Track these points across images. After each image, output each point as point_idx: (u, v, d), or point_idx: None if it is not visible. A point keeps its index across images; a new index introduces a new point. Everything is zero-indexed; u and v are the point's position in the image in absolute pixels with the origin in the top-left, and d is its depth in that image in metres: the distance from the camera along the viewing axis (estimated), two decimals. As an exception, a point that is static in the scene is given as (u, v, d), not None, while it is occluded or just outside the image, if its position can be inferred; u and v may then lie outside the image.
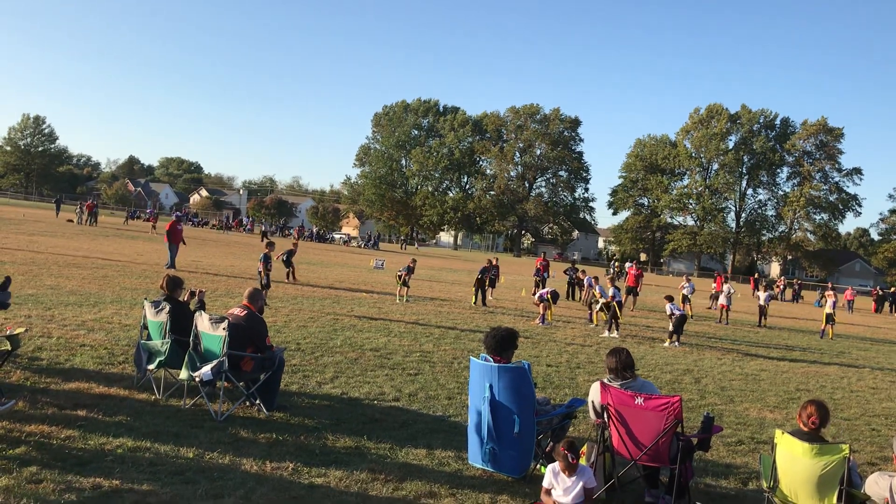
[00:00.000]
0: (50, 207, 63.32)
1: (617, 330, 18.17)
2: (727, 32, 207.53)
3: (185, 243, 25.80)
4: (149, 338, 8.26)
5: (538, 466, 6.44)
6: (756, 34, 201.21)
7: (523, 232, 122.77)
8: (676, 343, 17.24)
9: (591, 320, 20.45)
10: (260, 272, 18.09)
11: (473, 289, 22.86)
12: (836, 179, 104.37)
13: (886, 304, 51.54)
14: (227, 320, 7.43)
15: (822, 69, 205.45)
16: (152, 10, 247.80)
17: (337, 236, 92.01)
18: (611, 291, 18.47)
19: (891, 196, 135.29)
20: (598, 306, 19.64)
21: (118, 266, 22.47)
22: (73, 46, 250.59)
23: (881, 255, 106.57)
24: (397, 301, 20.77)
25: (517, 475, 6.35)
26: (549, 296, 19.20)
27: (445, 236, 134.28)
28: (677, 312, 17.48)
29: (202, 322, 7.61)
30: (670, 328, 17.55)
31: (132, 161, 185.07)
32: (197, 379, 7.28)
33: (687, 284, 27.33)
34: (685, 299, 26.51)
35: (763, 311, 25.61)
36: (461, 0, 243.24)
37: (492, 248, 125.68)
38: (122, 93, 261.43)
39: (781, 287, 52.64)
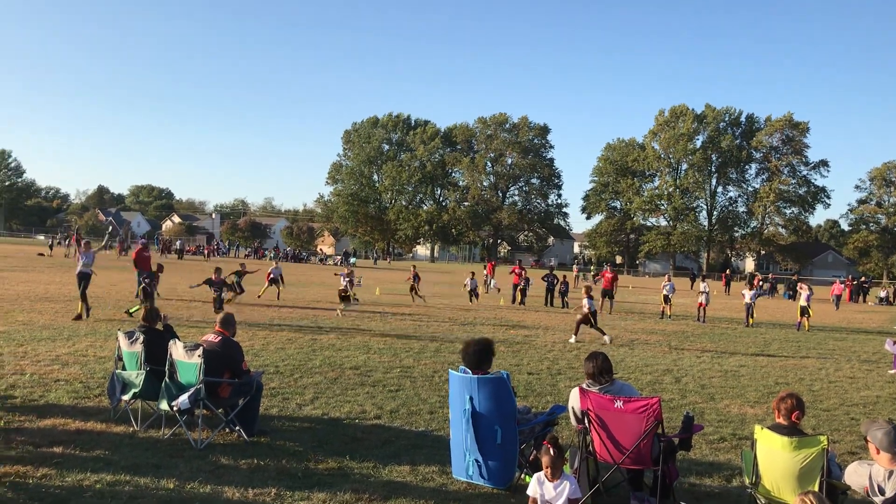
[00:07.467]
0: (21, 242, 62.40)
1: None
2: (688, 30, 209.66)
3: (163, 270, 25.21)
4: (124, 368, 8.15)
5: (523, 476, 6.42)
6: (716, 31, 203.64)
7: (499, 241, 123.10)
8: (573, 338, 17.75)
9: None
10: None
11: (409, 290, 28.49)
12: (804, 173, 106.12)
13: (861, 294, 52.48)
14: (201, 347, 7.36)
15: (784, 63, 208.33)
16: (117, 37, 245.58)
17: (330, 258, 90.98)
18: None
19: (857, 187, 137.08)
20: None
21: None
22: (37, 77, 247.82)
23: (851, 245, 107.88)
24: (337, 313, 21.12)
25: (502, 486, 6.32)
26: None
27: (422, 249, 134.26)
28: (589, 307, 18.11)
29: (177, 350, 7.52)
30: (579, 317, 18.17)
31: (102, 191, 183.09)
32: (174, 408, 7.19)
33: (668, 284, 27.50)
34: (666, 299, 26.68)
35: (750, 310, 25.29)
36: (426, 13, 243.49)
37: (469, 259, 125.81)
38: (89, 122, 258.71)
39: (760, 283, 53.08)
